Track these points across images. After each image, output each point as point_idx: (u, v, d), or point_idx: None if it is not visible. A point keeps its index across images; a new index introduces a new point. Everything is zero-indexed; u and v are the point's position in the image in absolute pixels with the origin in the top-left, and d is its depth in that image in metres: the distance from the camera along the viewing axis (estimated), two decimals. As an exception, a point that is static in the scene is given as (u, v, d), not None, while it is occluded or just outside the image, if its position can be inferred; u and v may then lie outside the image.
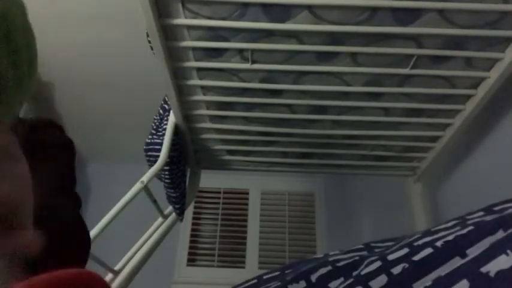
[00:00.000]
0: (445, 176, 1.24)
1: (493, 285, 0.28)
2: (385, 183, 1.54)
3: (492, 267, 0.29)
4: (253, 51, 0.81)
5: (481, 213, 0.43)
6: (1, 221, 0.20)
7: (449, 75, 0.87)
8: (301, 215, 2.16)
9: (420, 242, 0.39)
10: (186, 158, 1.17)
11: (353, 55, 0.82)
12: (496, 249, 0.31)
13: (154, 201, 1.04)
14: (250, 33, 0.78)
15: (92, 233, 0.84)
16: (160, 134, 1.06)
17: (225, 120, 1.03)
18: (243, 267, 2.01)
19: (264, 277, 0.48)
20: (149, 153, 1.04)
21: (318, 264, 0.43)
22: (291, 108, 0.98)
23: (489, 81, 0.86)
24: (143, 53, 1.17)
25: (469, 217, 0.43)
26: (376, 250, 0.46)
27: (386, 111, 0.98)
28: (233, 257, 2.05)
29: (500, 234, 0.34)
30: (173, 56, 0.83)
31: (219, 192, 2.23)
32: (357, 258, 0.43)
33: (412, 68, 0.84)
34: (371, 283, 0.36)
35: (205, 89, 0.93)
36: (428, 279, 0.33)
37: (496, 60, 0.83)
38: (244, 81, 0.89)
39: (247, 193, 2.22)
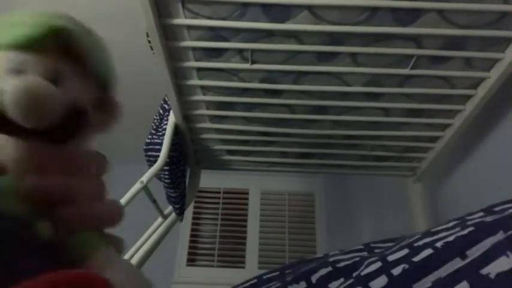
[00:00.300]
0: (445, 176, 1.24)
1: (493, 287, 0.28)
2: (385, 183, 1.54)
3: (492, 269, 0.29)
4: (253, 51, 0.81)
5: (481, 213, 0.43)
6: None
7: (449, 76, 0.87)
8: (301, 215, 2.16)
9: (420, 242, 0.39)
10: (186, 158, 1.17)
11: (353, 55, 0.82)
12: (496, 250, 0.30)
13: (154, 201, 1.04)
14: (250, 33, 0.78)
15: (92, 233, 0.83)
16: (160, 134, 1.06)
17: (225, 120, 1.03)
18: (243, 267, 2.01)
19: (264, 277, 0.48)
20: (149, 153, 1.04)
21: (318, 265, 0.43)
22: (290, 108, 0.97)
23: (489, 81, 0.86)
24: (143, 53, 1.17)
25: (469, 218, 0.42)
26: (376, 251, 0.46)
27: (386, 112, 0.98)
28: (233, 257, 2.06)
29: (500, 236, 0.33)
30: (173, 56, 0.83)
31: (219, 192, 2.23)
32: (357, 259, 0.43)
33: (412, 68, 0.84)
34: (371, 284, 0.36)
35: (205, 89, 0.93)
36: (428, 281, 0.33)
37: (496, 60, 0.83)
38: (244, 81, 0.89)
39: (247, 193, 2.22)
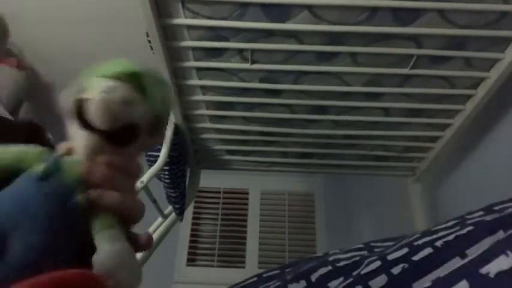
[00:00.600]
0: (445, 176, 1.24)
1: (493, 286, 0.28)
2: (385, 183, 1.54)
3: (492, 268, 0.29)
4: (253, 51, 0.81)
5: (481, 212, 0.43)
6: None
7: (449, 75, 0.87)
8: (301, 215, 2.16)
9: (420, 241, 0.39)
10: (186, 158, 1.17)
11: (353, 55, 0.82)
12: (495, 249, 0.30)
13: (154, 201, 1.04)
14: (250, 33, 0.78)
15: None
16: (160, 134, 1.06)
17: (224, 120, 1.03)
18: (243, 267, 2.01)
19: (264, 275, 0.48)
20: (149, 153, 1.04)
21: (318, 264, 0.43)
22: (290, 108, 0.98)
23: (489, 81, 0.86)
24: (143, 53, 1.17)
25: (468, 217, 0.43)
26: (376, 250, 0.46)
27: (386, 111, 0.98)
28: (233, 257, 2.05)
29: (500, 235, 0.34)
30: (173, 56, 0.83)
31: (219, 192, 2.23)
32: (356, 258, 0.43)
33: (412, 68, 0.84)
34: (371, 283, 0.36)
35: (205, 89, 0.93)
36: (427, 280, 0.33)
37: (496, 60, 0.83)
38: (244, 81, 0.90)
39: (247, 193, 2.22)
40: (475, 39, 0.78)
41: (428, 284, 0.32)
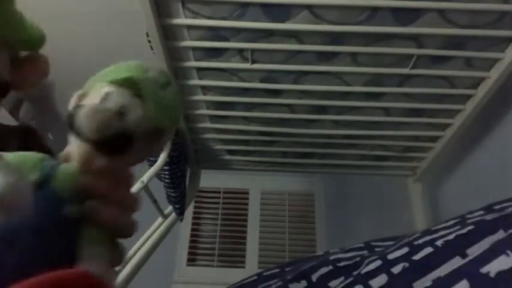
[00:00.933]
0: (445, 176, 1.24)
1: (493, 286, 0.28)
2: (385, 183, 1.54)
3: (492, 268, 0.29)
4: (253, 51, 0.81)
5: (481, 212, 0.43)
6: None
7: (449, 75, 0.87)
8: (301, 215, 2.16)
9: (420, 241, 0.39)
10: (186, 158, 1.17)
11: (353, 55, 0.82)
12: (496, 249, 0.30)
13: (155, 201, 1.04)
14: (251, 33, 0.78)
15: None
16: (161, 133, 1.06)
17: (225, 120, 1.03)
18: (243, 267, 2.01)
19: (264, 274, 0.48)
20: (149, 153, 1.04)
21: (319, 264, 0.43)
22: (291, 108, 0.98)
23: (489, 81, 0.86)
24: (143, 53, 1.17)
25: (469, 216, 0.43)
26: (377, 249, 0.46)
27: (387, 111, 0.98)
28: (233, 256, 2.05)
29: (500, 234, 0.33)
30: (173, 56, 0.83)
31: (219, 192, 2.23)
32: (357, 259, 0.43)
33: (412, 68, 0.84)
34: (371, 282, 0.36)
35: (205, 89, 0.93)
36: (428, 279, 0.33)
37: (496, 60, 0.83)
38: (244, 81, 0.90)
39: (247, 193, 2.22)
40: (475, 39, 0.78)
41: (429, 283, 0.32)
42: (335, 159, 1.17)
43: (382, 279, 0.36)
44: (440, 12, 0.73)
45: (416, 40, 0.79)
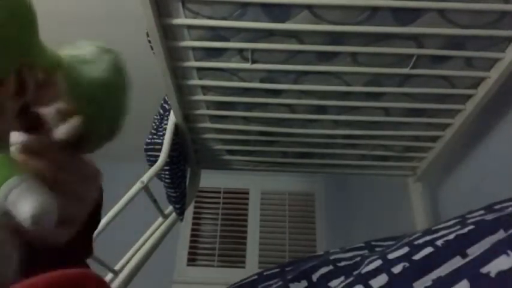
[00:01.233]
0: (445, 176, 1.24)
1: (493, 286, 0.28)
2: (385, 183, 1.54)
3: (492, 268, 0.29)
4: (253, 51, 0.81)
5: (482, 212, 0.43)
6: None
7: (449, 75, 0.87)
8: (301, 215, 2.16)
9: (421, 241, 0.39)
10: (186, 158, 1.17)
11: (353, 55, 0.82)
12: (496, 249, 0.30)
13: (155, 201, 1.04)
14: (250, 33, 0.78)
15: (92, 232, 0.83)
16: (161, 133, 1.06)
17: (225, 120, 1.03)
18: (243, 267, 2.01)
19: (265, 273, 0.48)
20: (149, 153, 1.04)
21: (319, 263, 0.43)
22: (291, 108, 0.98)
23: (489, 81, 0.86)
24: (143, 53, 1.17)
25: (469, 216, 0.42)
26: (377, 249, 0.46)
27: (387, 111, 0.98)
28: (233, 256, 2.06)
29: (500, 234, 0.33)
30: (173, 56, 0.83)
31: (219, 192, 2.23)
32: (358, 259, 0.43)
33: (412, 68, 0.84)
34: (371, 282, 0.36)
35: (205, 89, 0.93)
36: (428, 279, 0.33)
37: (496, 60, 0.83)
38: (244, 81, 0.89)
39: (247, 193, 2.22)
40: (475, 39, 0.78)
41: (429, 283, 0.32)
42: (335, 159, 1.17)
43: (383, 278, 0.36)
44: (440, 12, 0.73)
45: (416, 40, 0.79)
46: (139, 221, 1.17)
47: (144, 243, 1.06)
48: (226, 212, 2.19)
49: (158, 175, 1.03)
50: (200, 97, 0.95)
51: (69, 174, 0.31)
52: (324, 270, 0.42)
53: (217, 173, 1.35)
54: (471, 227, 0.36)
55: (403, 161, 1.18)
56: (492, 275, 0.29)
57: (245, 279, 0.48)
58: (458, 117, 0.98)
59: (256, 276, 0.48)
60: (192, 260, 2.06)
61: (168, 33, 0.78)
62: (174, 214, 1.15)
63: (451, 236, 0.36)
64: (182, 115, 1.00)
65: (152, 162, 1.01)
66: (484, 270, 0.29)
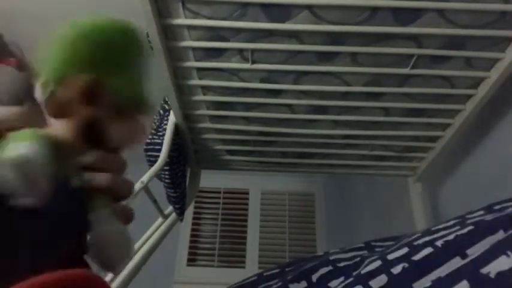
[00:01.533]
0: (445, 176, 1.24)
1: (493, 287, 0.28)
2: (385, 183, 1.54)
3: (492, 268, 0.29)
4: (253, 51, 0.81)
5: (481, 212, 0.43)
6: None
7: (449, 75, 0.87)
8: (301, 215, 2.16)
9: (420, 241, 0.39)
10: (186, 158, 1.17)
11: (353, 55, 0.82)
12: (496, 250, 0.30)
13: (155, 201, 1.04)
14: (251, 33, 0.78)
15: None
16: (160, 134, 1.06)
17: (225, 120, 1.03)
18: (243, 267, 2.01)
19: (264, 274, 0.48)
20: (149, 153, 1.04)
21: (319, 264, 0.43)
22: (291, 108, 0.98)
23: (489, 81, 0.86)
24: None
25: (469, 216, 0.42)
26: (377, 249, 0.46)
27: (387, 111, 0.98)
28: (233, 257, 2.06)
29: (500, 235, 0.33)
30: (173, 56, 0.83)
31: (219, 192, 2.23)
32: (357, 259, 0.43)
33: (412, 68, 0.84)
34: (371, 282, 0.36)
35: (205, 89, 0.93)
36: (428, 280, 0.33)
37: (496, 60, 0.83)
38: (244, 81, 0.90)
39: (247, 193, 2.23)
40: (475, 39, 0.78)
41: (429, 283, 0.32)
42: (335, 159, 1.17)
43: (382, 279, 0.36)
44: (440, 12, 0.73)
45: (416, 40, 0.79)
46: (139, 221, 1.17)
47: (144, 243, 1.06)
48: (226, 212, 2.19)
49: (158, 175, 1.03)
50: (200, 97, 0.95)
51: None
52: (323, 270, 0.42)
53: (217, 173, 1.35)
54: (471, 227, 0.36)
55: (403, 161, 1.18)
56: (492, 275, 0.29)
57: (245, 280, 0.48)
58: (458, 117, 0.98)
59: (256, 277, 0.48)
60: (192, 260, 2.07)
61: (168, 33, 0.78)
62: (174, 214, 1.15)
63: (451, 237, 0.36)
64: (182, 115, 1.00)
65: (152, 162, 1.01)
66: (484, 270, 0.29)
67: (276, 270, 0.48)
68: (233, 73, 0.88)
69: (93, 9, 1.49)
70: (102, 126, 0.30)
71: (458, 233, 0.37)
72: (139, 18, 0.73)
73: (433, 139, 1.08)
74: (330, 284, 0.40)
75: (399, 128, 1.04)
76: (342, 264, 0.43)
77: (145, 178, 0.96)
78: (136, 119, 0.33)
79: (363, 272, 0.38)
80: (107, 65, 0.31)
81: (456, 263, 0.33)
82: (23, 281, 0.22)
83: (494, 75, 0.85)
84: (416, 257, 0.36)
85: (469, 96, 0.92)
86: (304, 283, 0.41)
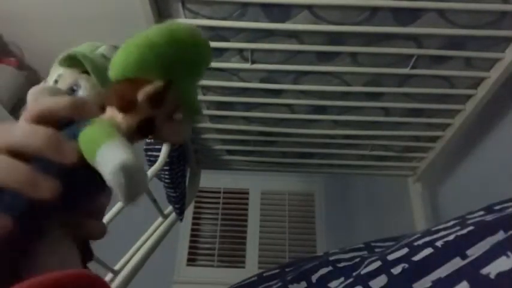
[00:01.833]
0: (446, 176, 1.24)
1: (493, 287, 0.28)
2: (385, 183, 1.54)
3: (492, 269, 0.29)
4: (253, 51, 0.81)
5: (482, 212, 0.42)
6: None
7: (449, 75, 0.87)
8: (301, 215, 2.16)
9: (420, 241, 0.39)
10: (186, 158, 1.17)
11: (353, 55, 0.82)
12: (496, 250, 0.30)
13: (154, 201, 1.04)
14: (250, 33, 0.78)
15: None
16: (160, 134, 1.06)
17: (225, 120, 1.03)
18: (243, 267, 2.01)
19: (264, 274, 0.48)
20: (149, 153, 1.04)
21: (319, 264, 0.43)
22: (291, 108, 0.98)
23: (489, 81, 0.86)
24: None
25: (469, 217, 0.42)
26: (377, 250, 0.46)
27: (387, 111, 0.98)
28: (233, 256, 2.06)
29: (500, 235, 0.33)
30: (173, 56, 0.83)
31: (219, 192, 2.23)
32: (357, 259, 0.43)
33: (412, 68, 0.84)
34: (371, 283, 0.36)
35: (205, 89, 0.93)
36: (428, 280, 0.33)
37: (496, 60, 0.83)
38: (244, 81, 0.90)
39: (247, 193, 2.22)
40: (475, 39, 0.78)
41: (429, 284, 0.32)
42: (335, 159, 1.17)
43: (382, 279, 0.36)
44: (440, 12, 0.73)
45: (416, 40, 0.79)
46: (139, 221, 1.17)
47: (144, 243, 1.06)
48: (226, 212, 2.19)
49: (158, 175, 1.03)
50: (200, 97, 0.95)
51: None
52: (323, 271, 0.42)
53: (217, 173, 1.35)
54: (471, 227, 0.36)
55: (403, 161, 1.18)
56: (492, 276, 0.29)
57: (245, 280, 0.48)
58: (458, 117, 0.98)
59: (256, 278, 0.48)
60: (192, 260, 2.07)
61: (168, 33, 0.78)
62: (173, 214, 1.15)
63: (451, 237, 0.36)
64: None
65: (152, 163, 1.01)
66: (484, 271, 0.29)
67: (276, 271, 0.48)
68: (233, 73, 0.88)
69: (93, 9, 1.49)
70: (156, 124, 0.32)
71: (458, 233, 0.36)
72: (140, 18, 0.73)
73: (433, 139, 1.08)
74: (329, 285, 0.40)
75: (399, 128, 1.04)
76: (341, 264, 0.43)
77: (145, 178, 0.96)
78: (186, 122, 0.35)
79: (362, 272, 0.38)
80: (180, 72, 0.32)
81: (456, 263, 0.33)
82: (23, 281, 0.22)
83: (494, 75, 0.85)
84: (416, 258, 0.36)
85: (469, 96, 0.92)
86: (304, 283, 0.41)
